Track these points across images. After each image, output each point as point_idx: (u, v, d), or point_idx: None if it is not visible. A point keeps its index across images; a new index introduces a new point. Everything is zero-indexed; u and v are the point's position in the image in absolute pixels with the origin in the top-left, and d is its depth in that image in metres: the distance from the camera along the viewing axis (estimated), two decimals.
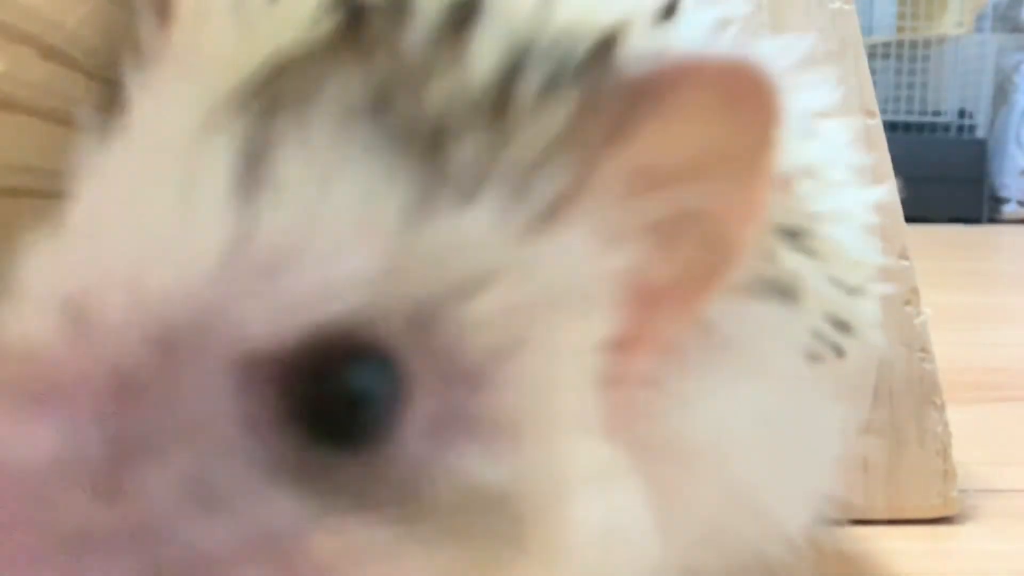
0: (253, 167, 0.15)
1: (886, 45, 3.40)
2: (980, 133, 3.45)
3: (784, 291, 0.20)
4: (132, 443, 0.14)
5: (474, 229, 0.15)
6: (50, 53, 0.42)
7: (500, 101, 0.15)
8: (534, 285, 0.16)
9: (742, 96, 0.16)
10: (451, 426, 0.15)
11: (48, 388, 0.14)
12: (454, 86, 0.15)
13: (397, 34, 0.15)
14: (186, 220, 0.15)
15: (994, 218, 3.39)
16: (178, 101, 0.16)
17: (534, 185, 0.15)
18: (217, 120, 0.15)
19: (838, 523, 0.30)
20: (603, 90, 0.16)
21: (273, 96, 0.15)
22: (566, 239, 0.16)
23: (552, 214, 0.16)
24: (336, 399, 0.15)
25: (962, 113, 3.46)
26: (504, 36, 0.16)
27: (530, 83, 0.16)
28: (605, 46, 0.16)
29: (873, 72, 0.44)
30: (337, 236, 0.14)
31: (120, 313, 0.14)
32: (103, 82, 0.47)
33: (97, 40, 0.46)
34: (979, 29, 3.41)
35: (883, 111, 0.45)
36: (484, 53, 0.16)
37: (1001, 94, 3.44)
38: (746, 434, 0.20)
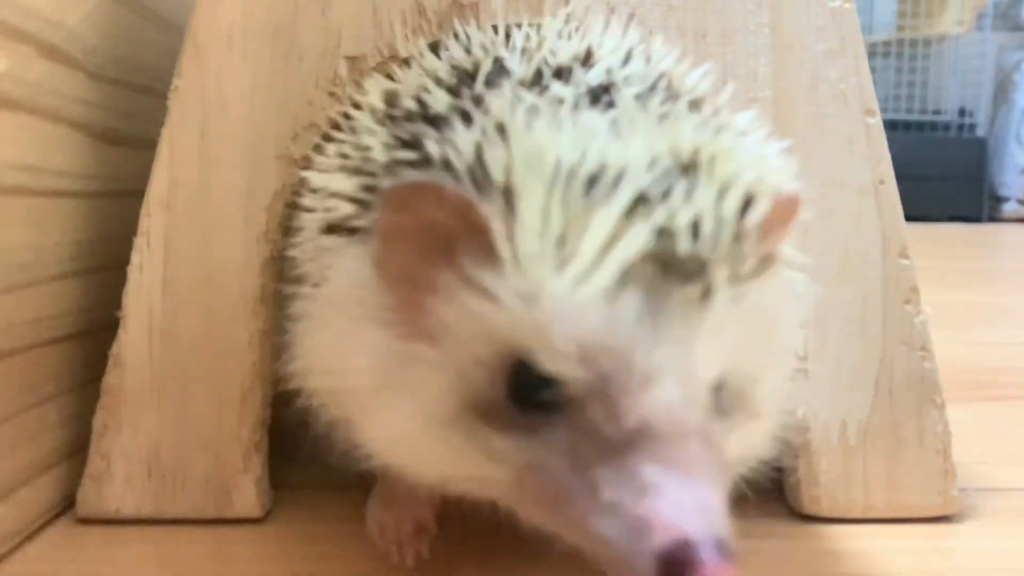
0: None
1: (886, 44, 3.39)
2: (980, 132, 3.45)
3: None
4: None
5: None
6: (50, 52, 0.42)
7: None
8: None
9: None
10: None
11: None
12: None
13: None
14: None
15: (994, 217, 3.39)
16: None
17: None
18: None
19: None
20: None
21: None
22: None
23: None
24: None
25: (962, 112, 3.46)
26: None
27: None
28: None
29: (873, 71, 0.44)
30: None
31: None
32: (104, 81, 0.47)
33: (97, 39, 0.46)
34: (979, 28, 3.41)
35: (883, 110, 0.45)
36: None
37: (1001, 93, 3.44)
38: None
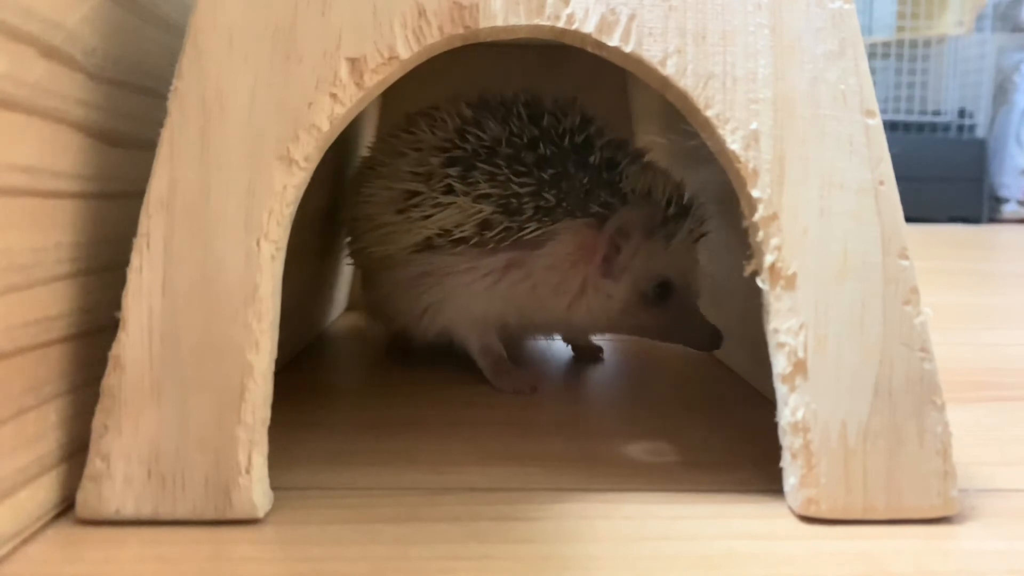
0: None
1: (886, 45, 3.39)
2: (980, 133, 3.45)
3: None
4: None
5: None
6: (50, 53, 0.42)
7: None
8: None
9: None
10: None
11: None
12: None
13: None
14: None
15: (994, 218, 3.39)
16: None
17: None
18: None
19: None
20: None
21: None
22: None
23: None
24: None
25: (962, 113, 3.46)
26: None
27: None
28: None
29: (873, 72, 0.44)
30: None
31: None
32: (104, 82, 0.47)
33: (97, 40, 0.46)
34: (979, 29, 3.41)
35: (883, 111, 0.45)
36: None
37: (1001, 94, 3.44)
38: None
